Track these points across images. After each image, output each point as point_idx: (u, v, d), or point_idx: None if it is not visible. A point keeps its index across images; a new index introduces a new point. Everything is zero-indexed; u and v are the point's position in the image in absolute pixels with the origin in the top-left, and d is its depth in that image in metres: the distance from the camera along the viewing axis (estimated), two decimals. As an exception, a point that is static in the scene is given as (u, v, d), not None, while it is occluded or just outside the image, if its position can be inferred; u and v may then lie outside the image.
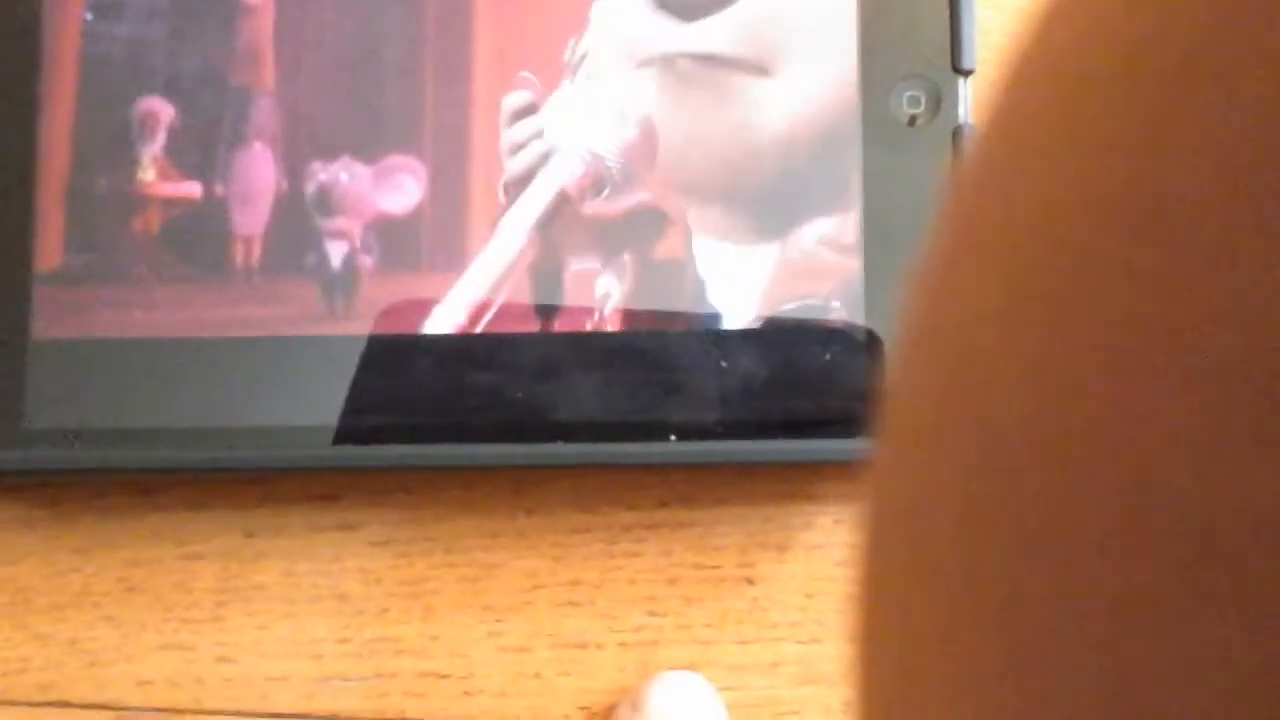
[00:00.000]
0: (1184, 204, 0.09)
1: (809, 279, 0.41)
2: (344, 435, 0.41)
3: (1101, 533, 0.09)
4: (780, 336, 0.41)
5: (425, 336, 0.41)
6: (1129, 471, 0.09)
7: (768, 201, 0.41)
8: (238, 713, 0.44)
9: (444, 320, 0.41)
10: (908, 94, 0.41)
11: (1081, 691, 0.09)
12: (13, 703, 0.44)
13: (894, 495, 0.12)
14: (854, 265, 0.41)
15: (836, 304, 0.41)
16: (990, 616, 0.10)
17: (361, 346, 0.41)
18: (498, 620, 0.43)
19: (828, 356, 0.41)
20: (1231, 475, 0.08)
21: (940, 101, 0.41)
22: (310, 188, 0.42)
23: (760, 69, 0.41)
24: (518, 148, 0.42)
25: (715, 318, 0.41)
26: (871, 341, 0.41)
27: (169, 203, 0.42)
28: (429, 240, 0.42)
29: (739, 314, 0.41)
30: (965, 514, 0.10)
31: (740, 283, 0.41)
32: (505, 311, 0.41)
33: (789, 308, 0.41)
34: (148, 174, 0.42)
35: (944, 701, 0.11)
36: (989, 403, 0.10)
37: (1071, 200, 0.10)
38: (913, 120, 0.41)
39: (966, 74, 0.41)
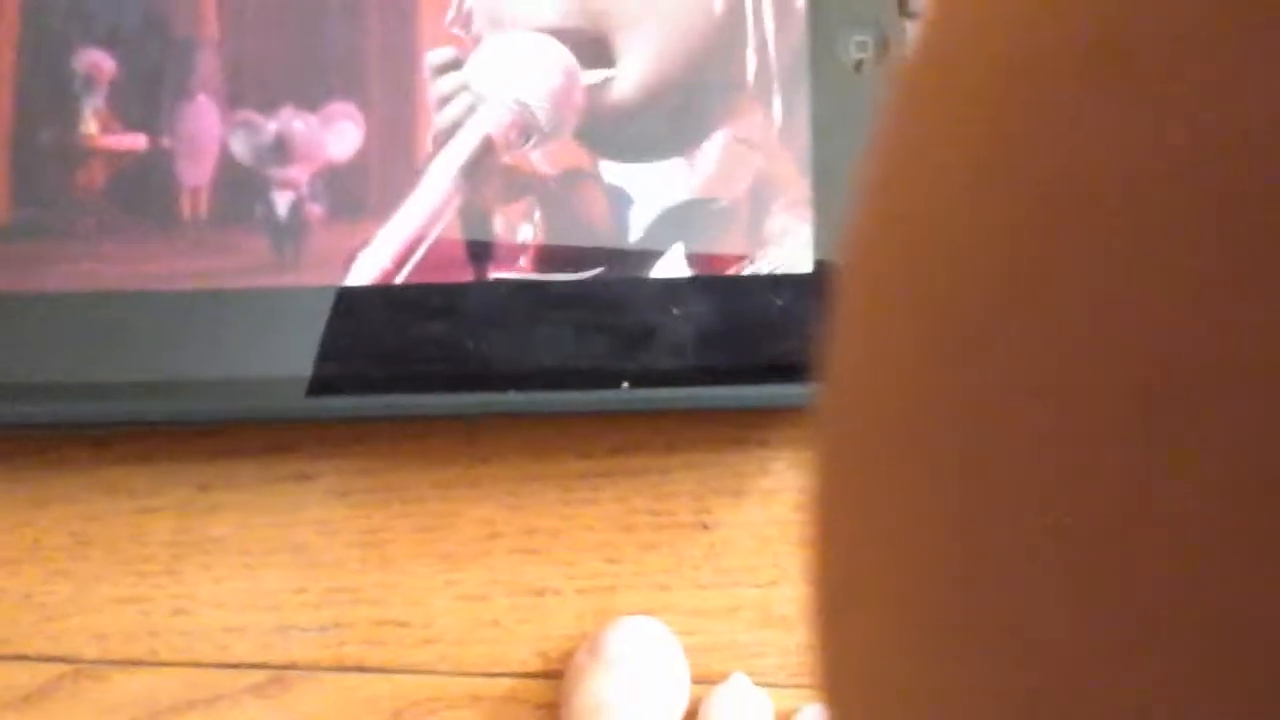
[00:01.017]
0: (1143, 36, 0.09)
1: (760, 224, 0.41)
2: (298, 386, 0.41)
3: (1061, 397, 0.09)
4: (732, 283, 0.41)
5: (376, 287, 0.41)
6: (1095, 334, 0.09)
7: (705, 151, 0.41)
8: (194, 664, 0.44)
9: (394, 269, 0.41)
10: (855, 38, 0.41)
11: (1041, 573, 0.09)
12: (-31, 658, 0.44)
13: (850, 386, 0.11)
14: (804, 210, 0.41)
15: (789, 248, 0.41)
16: (950, 499, 0.10)
17: (313, 297, 0.41)
18: (455, 569, 0.43)
19: (779, 303, 0.41)
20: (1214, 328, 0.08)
21: (888, 46, 0.40)
22: (262, 138, 0.41)
23: (707, 12, 0.41)
24: (444, 101, 0.41)
25: (669, 265, 0.41)
26: (822, 287, 0.40)
27: (114, 155, 0.41)
28: (376, 189, 0.41)
29: (692, 262, 0.41)
30: (921, 389, 0.10)
31: (690, 230, 0.41)
32: (454, 259, 0.41)
33: (738, 265, 0.41)
34: (90, 126, 0.41)
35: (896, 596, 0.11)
36: (951, 266, 0.10)
37: (1024, 52, 0.10)
38: (859, 65, 0.41)
39: (914, 18, 0.41)
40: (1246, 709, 0.08)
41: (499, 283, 0.41)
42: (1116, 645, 0.09)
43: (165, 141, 0.41)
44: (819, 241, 0.41)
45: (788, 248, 0.41)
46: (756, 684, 0.42)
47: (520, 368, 0.41)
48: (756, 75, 0.41)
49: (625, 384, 0.41)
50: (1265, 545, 0.08)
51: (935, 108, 0.11)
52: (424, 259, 0.41)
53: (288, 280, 0.41)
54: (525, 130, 0.41)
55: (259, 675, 0.44)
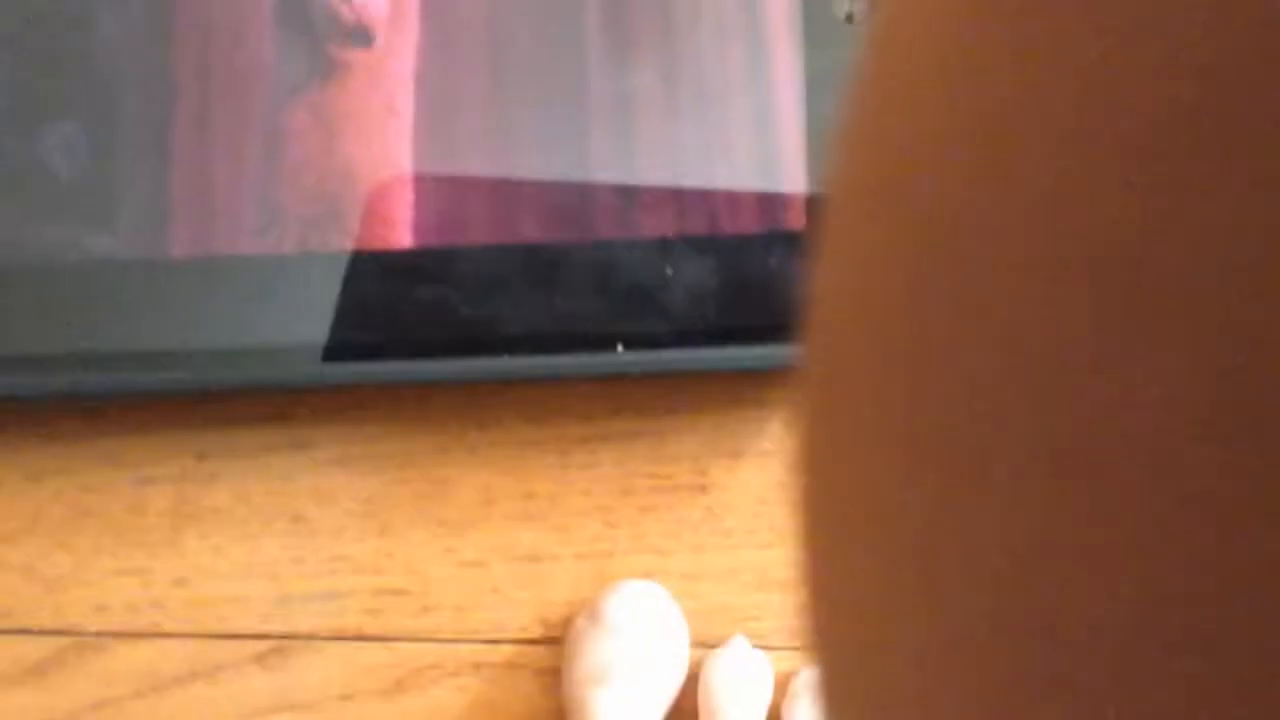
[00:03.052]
0: None
1: (755, 183, 0.41)
2: (294, 354, 0.41)
3: (1040, 301, 0.09)
4: (727, 242, 0.40)
5: (370, 252, 0.41)
6: (1069, 237, 0.09)
7: (708, 112, 0.41)
8: (196, 634, 0.44)
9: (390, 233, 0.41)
10: (846, -9, 0.40)
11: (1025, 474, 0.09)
12: (-30, 631, 0.44)
13: (834, 313, 0.12)
14: (799, 168, 0.40)
15: (783, 199, 0.40)
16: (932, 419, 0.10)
17: (306, 264, 0.41)
18: (453, 536, 0.43)
19: (773, 261, 0.40)
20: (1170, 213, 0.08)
21: (879, -2, 0.40)
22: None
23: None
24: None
25: (659, 225, 0.41)
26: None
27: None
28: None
29: (685, 221, 0.41)
30: (910, 308, 0.10)
31: (683, 188, 0.41)
32: (449, 223, 0.41)
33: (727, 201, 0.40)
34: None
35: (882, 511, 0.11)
36: (929, 193, 0.10)
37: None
38: (850, 17, 0.40)
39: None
40: None
41: (493, 247, 0.41)
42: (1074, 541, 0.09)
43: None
44: (811, 197, 0.40)
45: (780, 205, 0.40)
46: (755, 647, 0.42)
47: (515, 332, 0.40)
48: (750, 28, 0.41)
49: (620, 346, 0.40)
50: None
51: (908, 31, 0.11)
52: (440, 226, 0.41)
53: (280, 248, 0.41)
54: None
55: (261, 645, 0.44)
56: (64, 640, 0.44)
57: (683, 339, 0.40)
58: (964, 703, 0.10)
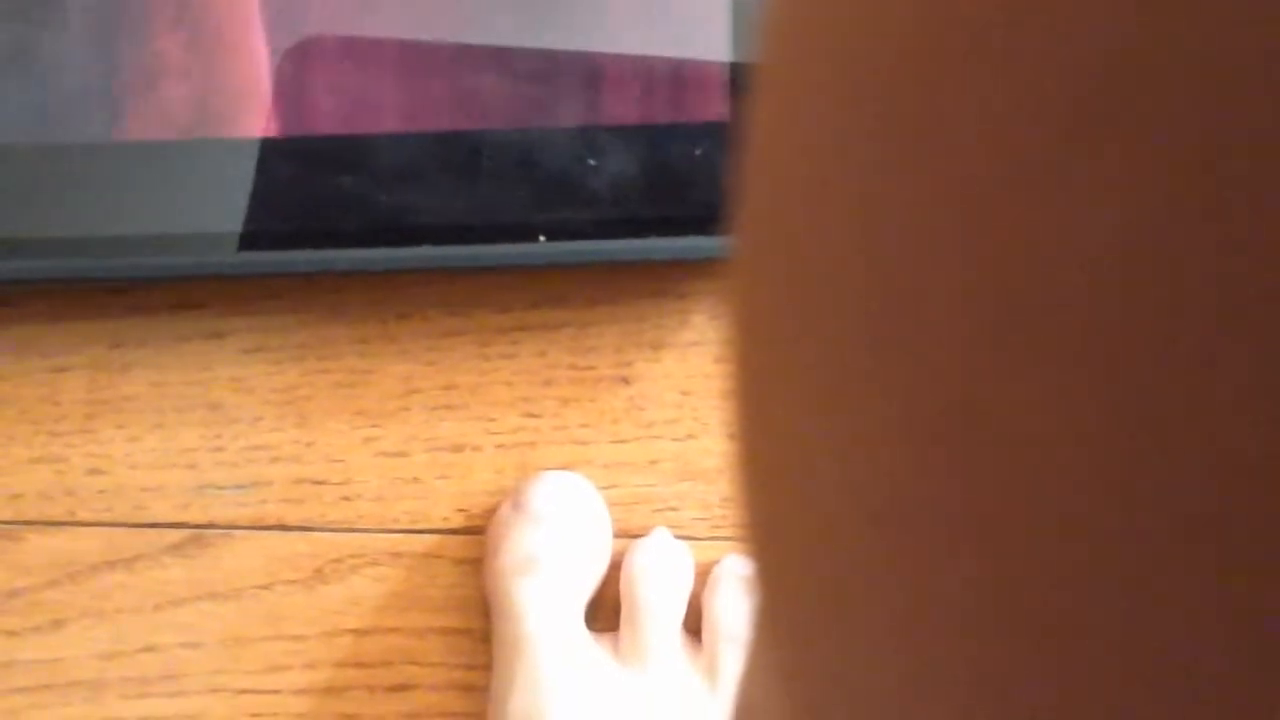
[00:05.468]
0: None
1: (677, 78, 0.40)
2: (210, 243, 0.40)
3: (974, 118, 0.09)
4: (651, 134, 0.40)
5: (285, 139, 0.40)
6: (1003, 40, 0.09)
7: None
8: (112, 524, 0.43)
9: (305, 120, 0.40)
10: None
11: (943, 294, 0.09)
12: (-119, 520, 0.43)
13: (768, 172, 0.11)
14: (723, 53, 0.40)
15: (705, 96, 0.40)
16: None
17: (219, 151, 0.40)
18: (373, 425, 0.43)
19: (698, 152, 0.40)
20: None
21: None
22: None
23: None
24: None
25: (581, 113, 0.40)
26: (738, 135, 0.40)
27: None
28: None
29: (607, 110, 0.40)
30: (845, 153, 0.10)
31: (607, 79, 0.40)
32: (366, 109, 0.40)
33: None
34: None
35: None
36: (863, 33, 0.10)
37: None
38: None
39: None
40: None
41: (412, 135, 0.40)
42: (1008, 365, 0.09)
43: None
44: (736, 88, 0.40)
45: (705, 94, 0.40)
46: (676, 536, 0.42)
47: (435, 221, 0.40)
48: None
49: (542, 237, 0.40)
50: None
51: None
52: (356, 114, 0.40)
53: (203, 132, 0.40)
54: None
55: (178, 535, 0.43)
56: (-23, 529, 0.43)
57: (605, 230, 0.40)
58: (899, 552, 0.10)
